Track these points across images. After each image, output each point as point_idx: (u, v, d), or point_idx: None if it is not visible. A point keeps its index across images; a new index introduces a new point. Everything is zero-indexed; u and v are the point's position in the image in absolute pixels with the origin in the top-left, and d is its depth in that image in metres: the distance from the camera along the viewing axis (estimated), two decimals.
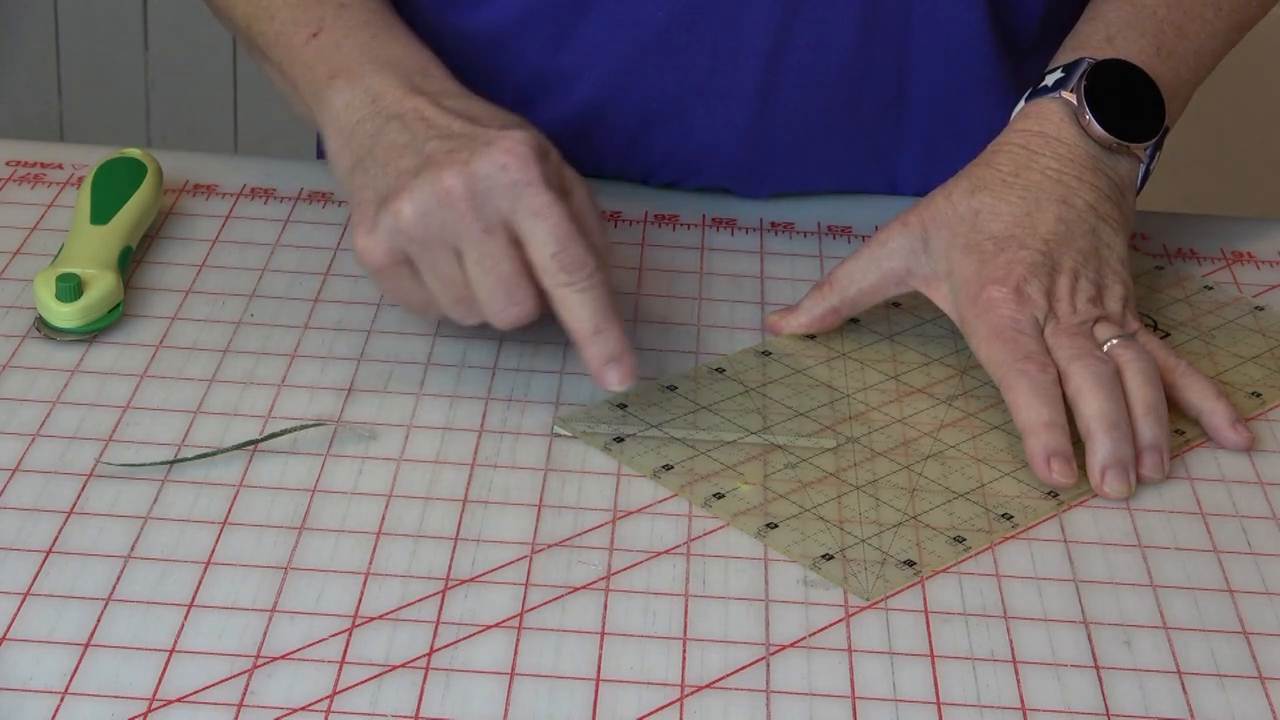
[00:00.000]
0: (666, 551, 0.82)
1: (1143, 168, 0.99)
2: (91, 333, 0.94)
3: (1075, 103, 0.98)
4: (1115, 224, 0.97)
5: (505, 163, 0.88)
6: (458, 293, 0.90)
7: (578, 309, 0.89)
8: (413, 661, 0.75)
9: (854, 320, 0.98)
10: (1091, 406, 0.89)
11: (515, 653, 0.76)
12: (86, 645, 0.75)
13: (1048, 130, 0.98)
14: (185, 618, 0.77)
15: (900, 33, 1.06)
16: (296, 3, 1.01)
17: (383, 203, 0.90)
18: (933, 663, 0.77)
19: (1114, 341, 0.92)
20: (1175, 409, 0.92)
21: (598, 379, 0.89)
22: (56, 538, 0.81)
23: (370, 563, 0.80)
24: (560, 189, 0.90)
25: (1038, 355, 0.91)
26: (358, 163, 0.93)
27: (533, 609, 0.78)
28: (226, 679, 0.74)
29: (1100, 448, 0.88)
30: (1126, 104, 0.99)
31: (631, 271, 1.04)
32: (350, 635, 0.76)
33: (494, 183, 0.88)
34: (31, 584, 0.78)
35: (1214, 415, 0.92)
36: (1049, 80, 0.99)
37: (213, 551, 0.81)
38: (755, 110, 1.08)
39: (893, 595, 0.80)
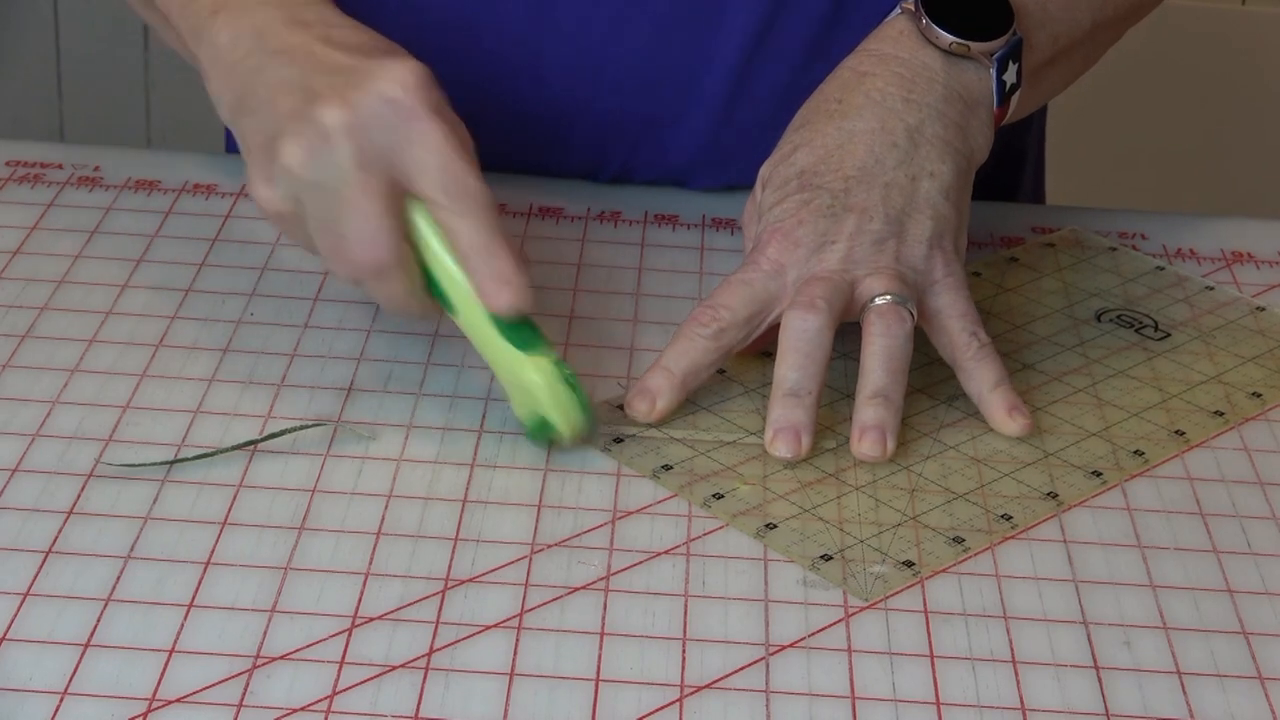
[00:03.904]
0: (666, 551, 0.82)
1: (994, 78, 0.95)
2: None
3: (914, 9, 0.96)
4: (943, 146, 0.93)
5: (390, 95, 0.85)
6: (332, 240, 0.87)
7: (468, 232, 0.86)
8: (413, 661, 0.75)
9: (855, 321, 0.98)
10: (777, 369, 0.88)
11: (515, 653, 0.76)
12: (86, 645, 0.75)
13: (884, 48, 0.96)
14: (185, 618, 0.77)
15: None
16: None
17: (272, 148, 0.87)
18: (932, 663, 0.77)
19: (876, 303, 0.89)
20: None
21: (487, 299, 0.86)
22: (56, 538, 0.81)
23: (370, 563, 0.80)
24: (449, 119, 0.87)
25: (716, 306, 0.90)
26: (241, 101, 0.90)
27: (533, 609, 0.78)
28: (226, 679, 0.74)
29: (771, 411, 0.88)
30: (972, 10, 0.95)
31: (631, 271, 1.04)
32: (350, 635, 0.76)
33: (378, 117, 0.85)
34: (31, 584, 0.78)
35: (990, 407, 0.91)
36: None
37: (213, 551, 0.81)
38: (729, 90, 1.08)
39: (892, 595, 0.80)
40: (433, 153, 0.85)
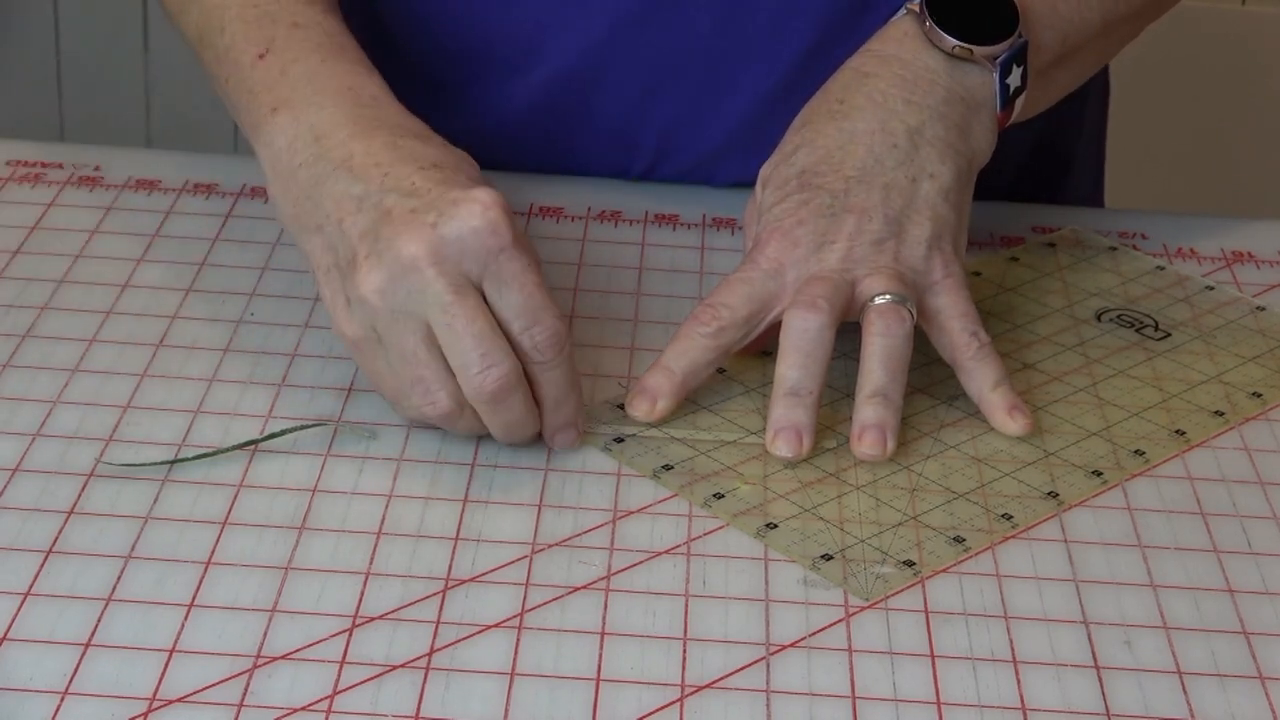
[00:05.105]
0: (666, 551, 0.82)
1: (997, 82, 0.95)
2: None
3: (919, 10, 0.95)
4: (943, 147, 0.93)
5: (476, 226, 0.83)
6: (416, 371, 0.84)
7: (546, 385, 0.85)
8: (413, 661, 0.75)
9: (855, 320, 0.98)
10: (778, 369, 0.88)
11: (515, 653, 0.76)
12: (86, 645, 0.75)
13: (887, 49, 0.96)
14: (185, 618, 0.77)
15: None
16: (250, 17, 0.94)
17: (346, 273, 0.85)
18: (933, 663, 0.77)
19: (875, 302, 0.89)
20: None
21: (549, 440, 0.87)
22: (56, 538, 0.81)
23: (370, 563, 0.80)
24: (529, 249, 0.85)
25: (718, 305, 0.90)
26: (303, 215, 0.87)
27: (533, 609, 0.78)
28: (226, 679, 0.74)
29: (771, 411, 0.88)
30: (977, 13, 0.95)
31: (632, 271, 1.04)
32: (350, 635, 0.76)
33: (464, 248, 0.83)
34: (31, 584, 0.78)
35: (990, 406, 0.91)
36: None
37: (213, 551, 0.81)
38: (760, 67, 1.07)
39: (893, 595, 0.80)
40: (519, 291, 0.84)
